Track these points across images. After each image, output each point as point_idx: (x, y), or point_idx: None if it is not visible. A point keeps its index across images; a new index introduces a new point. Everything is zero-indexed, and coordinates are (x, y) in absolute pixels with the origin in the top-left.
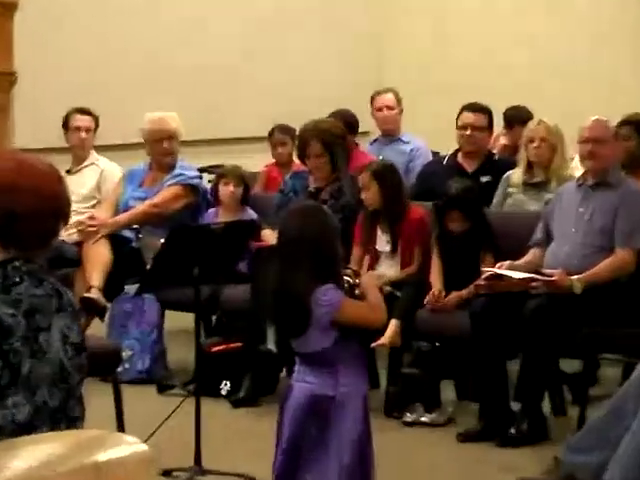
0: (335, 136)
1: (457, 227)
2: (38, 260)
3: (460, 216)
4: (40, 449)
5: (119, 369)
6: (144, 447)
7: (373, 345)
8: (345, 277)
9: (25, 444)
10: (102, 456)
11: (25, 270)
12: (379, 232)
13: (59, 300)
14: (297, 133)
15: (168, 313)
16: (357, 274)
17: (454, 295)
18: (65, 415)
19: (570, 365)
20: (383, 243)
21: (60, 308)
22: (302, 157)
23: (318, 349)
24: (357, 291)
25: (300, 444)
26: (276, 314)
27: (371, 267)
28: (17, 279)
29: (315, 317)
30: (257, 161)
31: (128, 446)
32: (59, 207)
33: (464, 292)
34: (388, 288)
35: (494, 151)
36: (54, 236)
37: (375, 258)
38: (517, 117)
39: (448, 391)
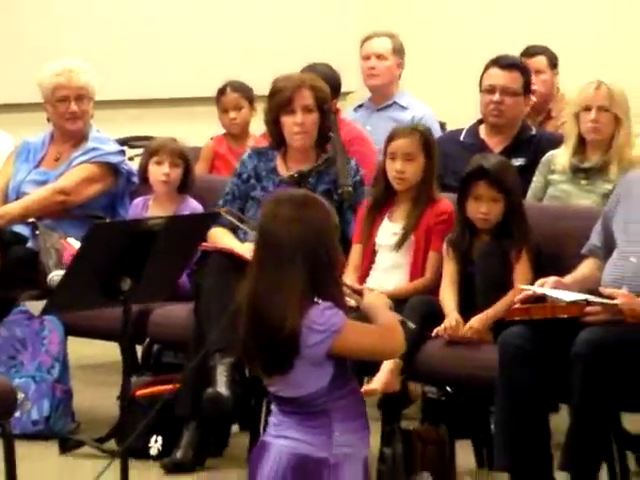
0: (327, 95)
1: (484, 214)
2: None
3: (490, 194)
4: None
5: None
6: None
7: (362, 390)
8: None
9: None
10: None
11: None
12: (386, 221)
13: None
14: (270, 90)
15: (71, 340)
16: (358, 293)
17: (477, 321)
18: None
19: (635, 424)
20: (388, 234)
21: None
22: (276, 117)
23: (308, 391)
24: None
25: None
26: (251, 343)
27: (367, 267)
28: None
29: (306, 346)
30: (200, 131)
31: None
32: None
33: (490, 313)
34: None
35: None
36: None
37: (372, 254)
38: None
39: (465, 456)
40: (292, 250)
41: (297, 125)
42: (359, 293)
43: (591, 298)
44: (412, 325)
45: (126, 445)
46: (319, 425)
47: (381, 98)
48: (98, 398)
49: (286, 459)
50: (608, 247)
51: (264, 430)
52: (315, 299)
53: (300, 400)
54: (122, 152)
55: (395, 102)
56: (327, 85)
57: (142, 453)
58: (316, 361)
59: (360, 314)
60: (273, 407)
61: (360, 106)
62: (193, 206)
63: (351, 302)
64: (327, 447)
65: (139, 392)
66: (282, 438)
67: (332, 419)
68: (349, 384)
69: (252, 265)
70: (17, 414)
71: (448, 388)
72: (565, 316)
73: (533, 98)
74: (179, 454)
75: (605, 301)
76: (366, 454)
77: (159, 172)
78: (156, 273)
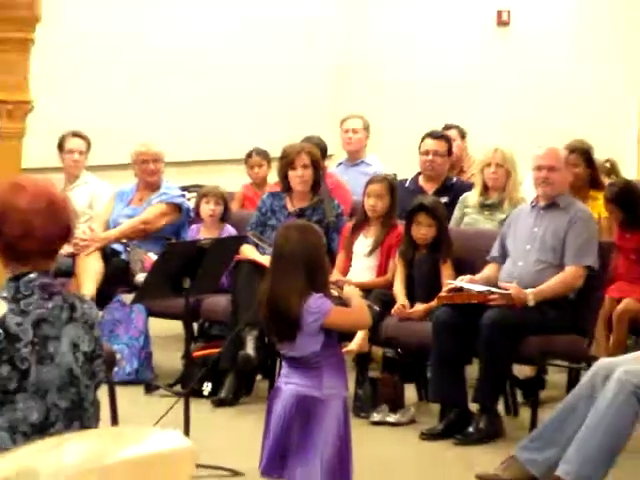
0: (318, 157)
1: (423, 234)
2: (50, 271)
3: (427, 221)
4: (86, 444)
5: None
6: (187, 441)
7: (343, 351)
8: (340, 292)
9: (70, 440)
10: (146, 450)
11: (37, 284)
12: (361, 237)
13: (71, 312)
14: (280, 154)
15: (151, 319)
16: (340, 287)
17: (422, 307)
18: (79, 416)
19: (520, 371)
20: (363, 246)
21: (72, 319)
22: (285, 172)
23: (307, 353)
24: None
25: (286, 441)
26: (269, 322)
27: (347, 268)
28: (27, 292)
29: (305, 323)
30: (233, 181)
31: (173, 441)
32: (68, 227)
33: (433, 304)
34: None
35: None
36: (58, 251)
37: (350, 259)
38: None
39: (410, 393)
40: (296, 261)
41: (298, 177)
42: (341, 287)
43: (493, 289)
44: (377, 308)
45: (188, 389)
46: (314, 375)
47: (354, 158)
48: (169, 357)
49: (291, 397)
50: (503, 256)
51: (278, 378)
52: (312, 293)
53: (301, 359)
54: (183, 195)
55: (363, 161)
56: (318, 150)
57: (198, 394)
58: (312, 333)
59: (341, 302)
60: (283, 363)
61: (340, 164)
62: (230, 231)
63: (335, 293)
64: (319, 389)
65: (196, 353)
66: (289, 384)
67: (323, 371)
68: (335, 349)
69: (269, 271)
70: (116, 369)
71: (399, 350)
72: (476, 301)
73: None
74: (222, 394)
75: (502, 291)
76: (345, 395)
77: (207, 208)
78: (206, 275)
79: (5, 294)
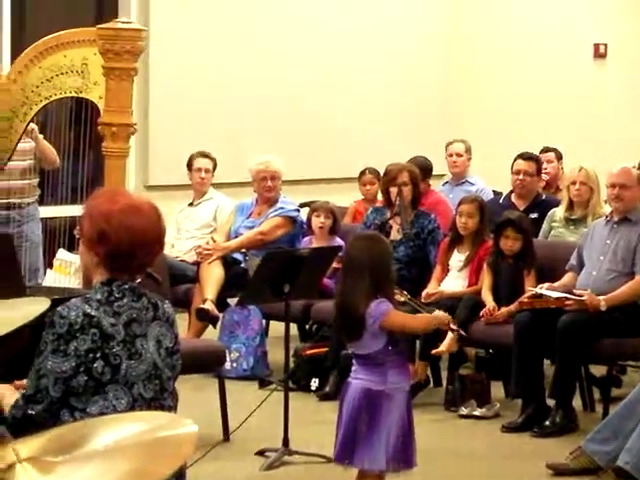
0: (417, 176)
1: (510, 246)
2: (139, 277)
3: (514, 235)
4: (113, 428)
5: (228, 367)
6: (194, 428)
7: (433, 352)
8: (407, 299)
9: (108, 423)
10: (160, 433)
11: (127, 287)
12: (456, 252)
13: (155, 312)
14: (384, 172)
15: (273, 322)
16: (407, 295)
17: (505, 310)
18: (160, 405)
19: (599, 370)
20: (456, 261)
21: (155, 318)
22: (387, 188)
23: (371, 351)
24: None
25: (354, 431)
26: (339, 322)
27: (442, 278)
28: (119, 295)
29: (368, 324)
30: (346, 197)
31: (182, 427)
32: (161, 242)
33: (512, 307)
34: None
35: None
36: (152, 263)
37: (446, 271)
38: None
39: (497, 389)
40: (362, 267)
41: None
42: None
43: (569, 296)
44: (463, 333)
45: (285, 379)
46: (379, 371)
47: (458, 178)
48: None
49: (359, 391)
50: (580, 266)
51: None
52: (376, 297)
53: (367, 356)
54: (298, 210)
55: (467, 180)
56: (419, 169)
57: (306, 388)
58: (374, 333)
59: (410, 307)
60: (353, 360)
61: (446, 182)
62: (339, 242)
63: (401, 299)
64: (384, 383)
65: (305, 352)
66: (357, 379)
67: (387, 368)
68: (398, 348)
69: (340, 276)
70: (235, 365)
71: (491, 350)
72: (554, 306)
73: (546, 177)
74: (328, 389)
75: (577, 298)
76: (407, 388)
77: (318, 221)
78: (305, 281)
79: (99, 296)
